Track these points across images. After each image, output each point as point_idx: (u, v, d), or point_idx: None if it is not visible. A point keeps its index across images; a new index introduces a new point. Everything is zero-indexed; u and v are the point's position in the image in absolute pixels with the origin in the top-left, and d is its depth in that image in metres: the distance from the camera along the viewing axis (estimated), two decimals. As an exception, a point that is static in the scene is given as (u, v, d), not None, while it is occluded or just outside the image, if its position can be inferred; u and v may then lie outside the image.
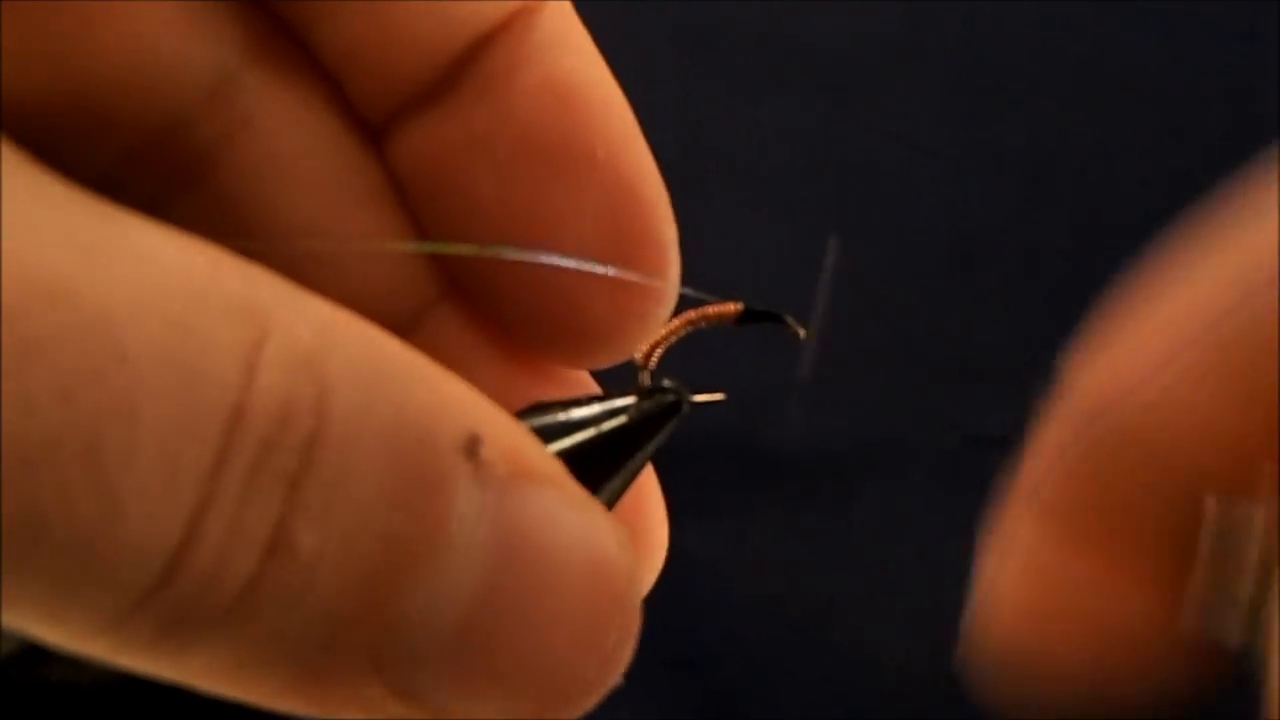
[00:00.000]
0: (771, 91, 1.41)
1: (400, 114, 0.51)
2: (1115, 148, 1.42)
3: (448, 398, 0.39)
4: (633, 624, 0.46)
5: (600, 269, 0.55)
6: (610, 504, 0.56)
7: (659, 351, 0.56)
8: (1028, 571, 0.56)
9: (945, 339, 1.44)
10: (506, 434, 0.42)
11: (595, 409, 0.56)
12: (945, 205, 1.42)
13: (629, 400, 0.56)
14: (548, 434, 0.56)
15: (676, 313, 0.57)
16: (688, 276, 0.57)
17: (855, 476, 1.46)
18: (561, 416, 0.56)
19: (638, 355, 0.56)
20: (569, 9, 0.56)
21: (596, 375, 0.59)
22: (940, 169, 1.42)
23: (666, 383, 0.56)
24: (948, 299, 1.44)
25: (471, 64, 0.51)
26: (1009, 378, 1.48)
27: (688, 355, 0.58)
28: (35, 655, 0.51)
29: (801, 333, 0.57)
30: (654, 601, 1.61)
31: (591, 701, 0.47)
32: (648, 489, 0.60)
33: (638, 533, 0.60)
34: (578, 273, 0.54)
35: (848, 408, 1.46)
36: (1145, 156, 1.42)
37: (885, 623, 1.51)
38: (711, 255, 1.48)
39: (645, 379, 0.56)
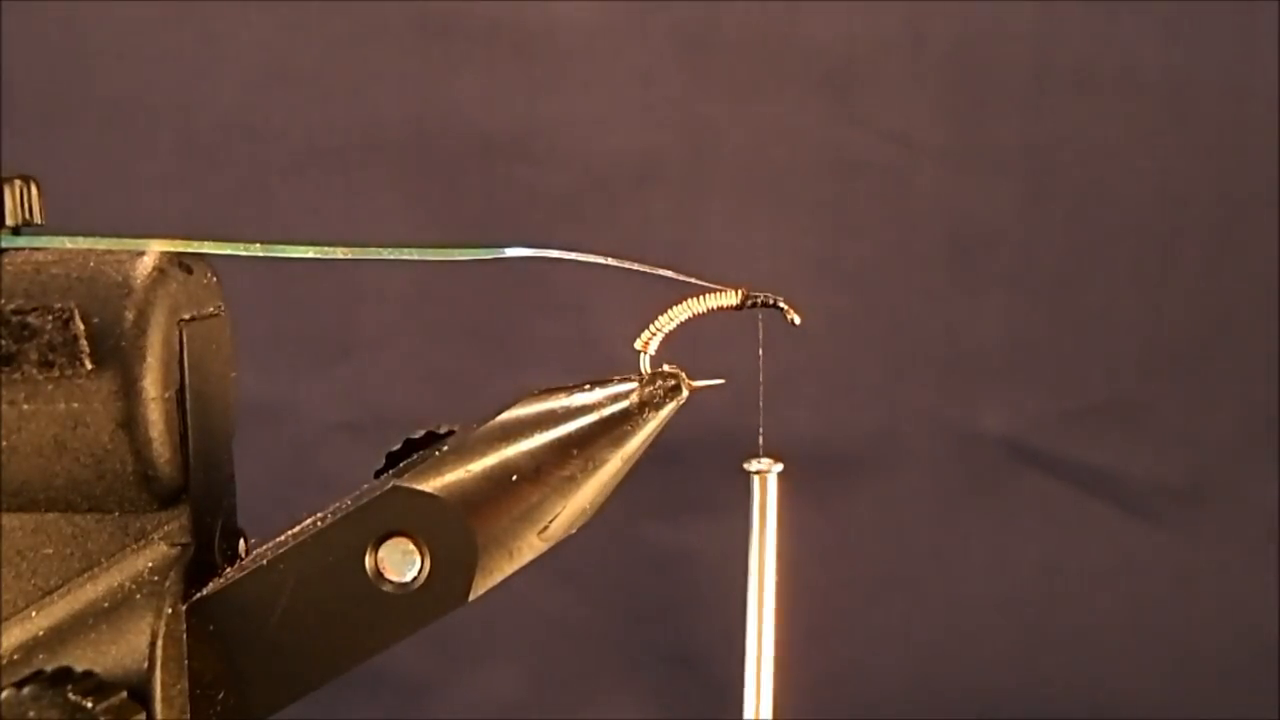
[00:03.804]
0: (769, 93, 1.41)
1: None
2: (1113, 147, 1.43)
3: None
4: None
5: (670, 274, 0.57)
6: (612, 486, 0.58)
7: (660, 337, 0.57)
8: None
9: (943, 337, 1.45)
10: None
11: (598, 394, 0.57)
12: (942, 204, 1.43)
13: (631, 385, 0.57)
14: (552, 418, 0.57)
15: (677, 301, 0.58)
16: (689, 271, 0.58)
17: (851, 473, 1.47)
18: (565, 401, 0.57)
19: (639, 341, 0.57)
20: None
21: (598, 360, 0.60)
22: (937, 168, 1.43)
23: (667, 368, 0.57)
24: (945, 297, 1.44)
25: None
26: (1006, 376, 1.49)
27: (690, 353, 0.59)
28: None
29: (798, 319, 0.58)
30: (654, 597, 1.62)
31: None
32: None
33: None
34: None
35: (846, 406, 1.47)
36: (1140, 156, 1.43)
37: (883, 618, 1.52)
38: (712, 251, 1.49)
39: (646, 364, 0.57)
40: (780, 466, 0.59)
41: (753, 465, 0.59)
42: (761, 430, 0.60)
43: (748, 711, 0.60)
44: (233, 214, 1.41)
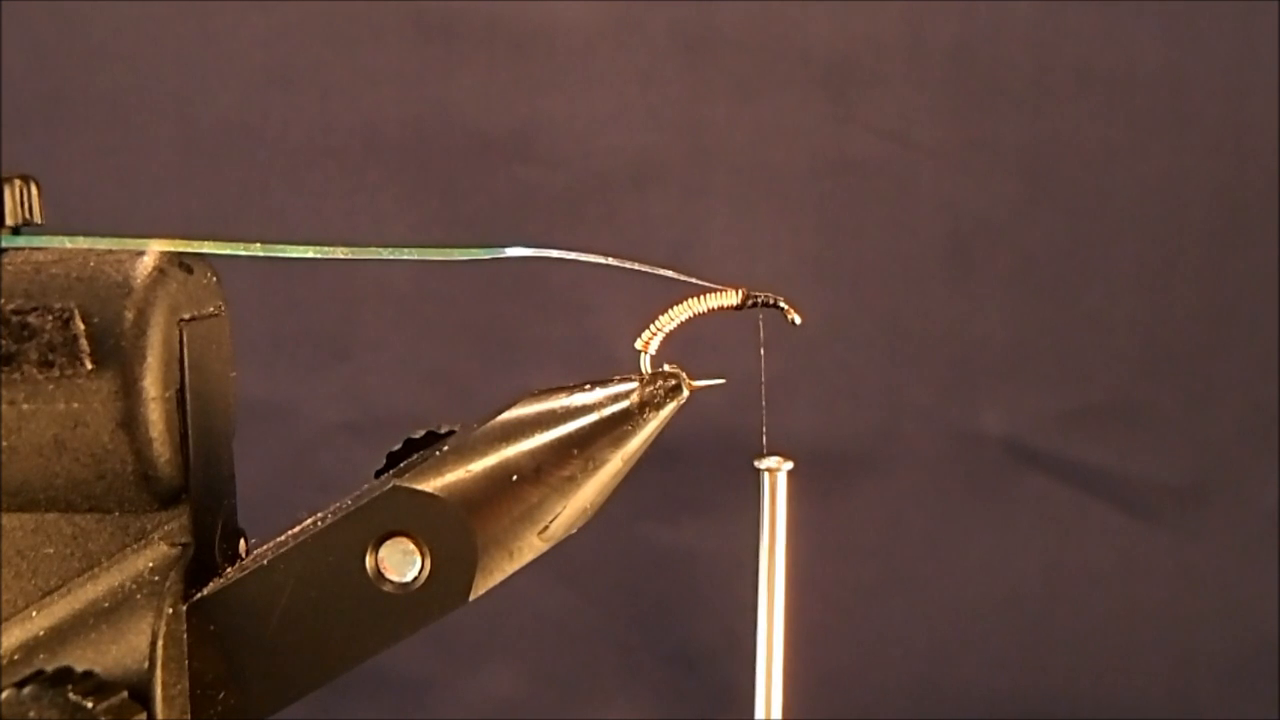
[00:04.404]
0: (769, 93, 1.41)
1: None
2: (1112, 147, 1.43)
3: None
4: None
5: (670, 275, 0.57)
6: (612, 486, 0.58)
7: (660, 337, 0.57)
8: None
9: (942, 337, 1.45)
10: None
11: (598, 394, 0.57)
12: (942, 204, 1.43)
13: (631, 385, 0.57)
14: (552, 418, 0.57)
15: (677, 301, 0.58)
16: (689, 271, 0.58)
17: (851, 472, 1.47)
18: (565, 400, 0.57)
19: (640, 341, 0.57)
20: None
21: (598, 360, 0.60)
22: (936, 168, 1.43)
23: (667, 368, 0.57)
24: (945, 297, 1.44)
25: None
26: (1006, 375, 1.49)
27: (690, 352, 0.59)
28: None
29: (798, 319, 0.58)
30: (654, 600, 1.62)
31: None
32: None
33: None
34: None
35: (845, 405, 1.47)
36: (1139, 156, 1.43)
37: (883, 618, 1.52)
38: (712, 251, 1.50)
39: (646, 364, 0.57)
40: (790, 465, 0.59)
41: (763, 463, 0.59)
42: (765, 429, 0.60)
43: (759, 712, 0.60)
44: (232, 214, 1.41)
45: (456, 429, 0.59)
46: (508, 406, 0.57)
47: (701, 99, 1.41)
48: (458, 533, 0.56)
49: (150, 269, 0.57)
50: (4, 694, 0.53)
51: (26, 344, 0.55)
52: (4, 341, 0.55)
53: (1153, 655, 1.47)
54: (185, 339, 0.57)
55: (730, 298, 0.57)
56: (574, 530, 0.58)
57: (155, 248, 0.58)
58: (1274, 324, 1.42)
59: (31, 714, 0.52)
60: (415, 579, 0.57)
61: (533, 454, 0.56)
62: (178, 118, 1.40)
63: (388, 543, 0.57)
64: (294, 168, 1.41)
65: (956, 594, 1.48)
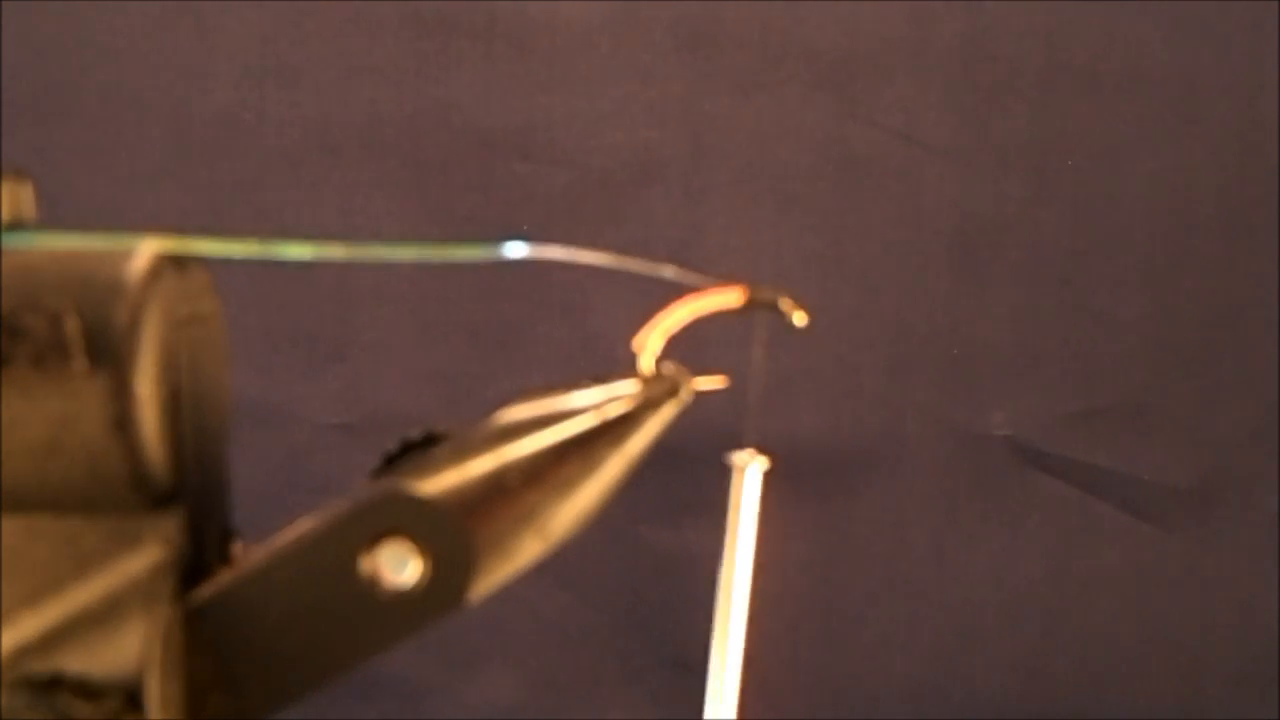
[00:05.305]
0: (772, 89, 1.41)
1: None
2: (1117, 146, 1.42)
3: None
4: None
5: (672, 274, 0.56)
6: (613, 488, 0.57)
7: (661, 336, 0.56)
8: None
9: (948, 337, 1.45)
10: None
11: (597, 393, 0.56)
12: (947, 203, 1.43)
13: (631, 384, 0.56)
14: (551, 418, 0.56)
15: (679, 300, 0.57)
16: (691, 270, 0.57)
17: (856, 474, 1.47)
18: (564, 400, 0.56)
19: (639, 340, 0.56)
20: None
21: (599, 360, 0.59)
22: (942, 166, 1.42)
23: (668, 367, 0.56)
24: (951, 297, 1.44)
25: None
26: (1013, 376, 1.48)
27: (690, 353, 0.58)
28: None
29: (801, 319, 0.57)
30: (654, 601, 1.62)
31: None
32: None
33: None
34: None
35: (849, 405, 1.46)
36: (1147, 155, 1.42)
37: (887, 621, 1.52)
38: (712, 251, 1.49)
39: (647, 363, 0.56)
40: (764, 461, 0.58)
41: (735, 458, 0.58)
42: (756, 426, 0.59)
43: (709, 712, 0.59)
44: (227, 211, 1.40)
45: (454, 430, 0.59)
46: (505, 407, 0.56)
47: (704, 95, 1.41)
48: (455, 535, 0.55)
49: (144, 268, 0.56)
50: None
51: (19, 344, 0.55)
52: None
53: (1160, 658, 1.47)
54: (180, 339, 0.57)
55: (733, 297, 0.57)
56: (574, 533, 0.57)
57: (149, 246, 0.57)
58: (1282, 325, 1.42)
59: (22, 719, 0.52)
60: (411, 582, 0.56)
61: (531, 455, 0.55)
62: (172, 114, 1.40)
63: (383, 546, 0.56)
64: (290, 165, 1.41)
65: (962, 596, 1.47)
